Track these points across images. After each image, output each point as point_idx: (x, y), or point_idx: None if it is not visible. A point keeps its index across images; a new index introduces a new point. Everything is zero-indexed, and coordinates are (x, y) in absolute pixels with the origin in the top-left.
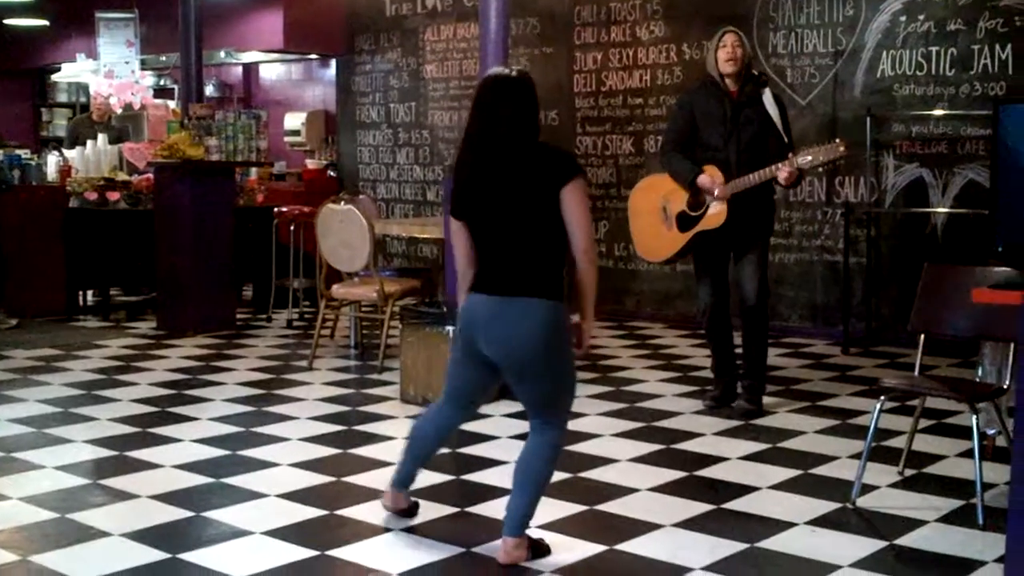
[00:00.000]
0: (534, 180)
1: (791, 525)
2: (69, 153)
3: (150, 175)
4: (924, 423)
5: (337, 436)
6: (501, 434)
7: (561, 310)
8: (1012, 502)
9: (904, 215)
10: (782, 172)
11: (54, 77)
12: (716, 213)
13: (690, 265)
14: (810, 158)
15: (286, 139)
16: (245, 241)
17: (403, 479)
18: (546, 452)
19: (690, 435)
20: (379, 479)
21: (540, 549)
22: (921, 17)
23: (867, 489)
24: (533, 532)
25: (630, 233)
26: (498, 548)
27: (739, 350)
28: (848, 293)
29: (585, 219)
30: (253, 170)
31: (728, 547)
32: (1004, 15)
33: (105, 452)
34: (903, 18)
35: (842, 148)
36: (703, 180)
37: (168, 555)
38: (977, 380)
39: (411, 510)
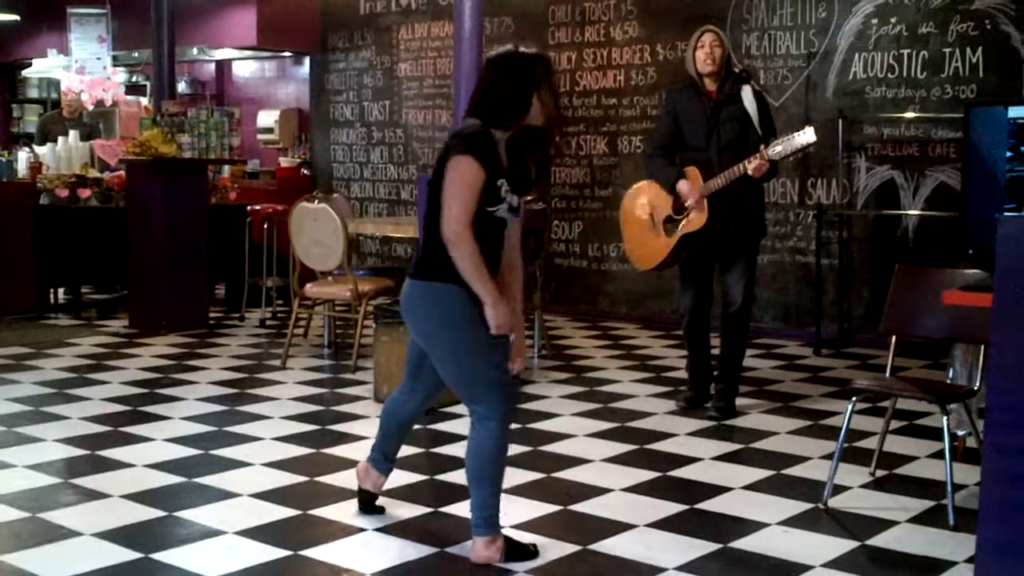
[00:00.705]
0: (440, 159)
1: (764, 525)
2: (40, 150)
3: (122, 172)
4: (895, 424)
5: (310, 436)
6: None
7: (441, 291)
8: (982, 503)
9: (876, 217)
10: (751, 165)
11: (25, 73)
12: (697, 215)
13: None
14: (780, 148)
15: (259, 137)
16: (218, 239)
17: (373, 453)
18: (483, 446)
19: (664, 435)
20: (353, 479)
21: (525, 552)
22: (893, 20)
23: (839, 490)
24: (524, 536)
25: (622, 240)
26: (470, 547)
27: (715, 351)
28: (820, 294)
29: (451, 198)
30: (226, 168)
31: (701, 547)
32: (975, 19)
33: (77, 451)
34: (875, 21)
35: (811, 132)
36: (680, 187)
37: (140, 555)
38: (948, 381)
39: (374, 500)
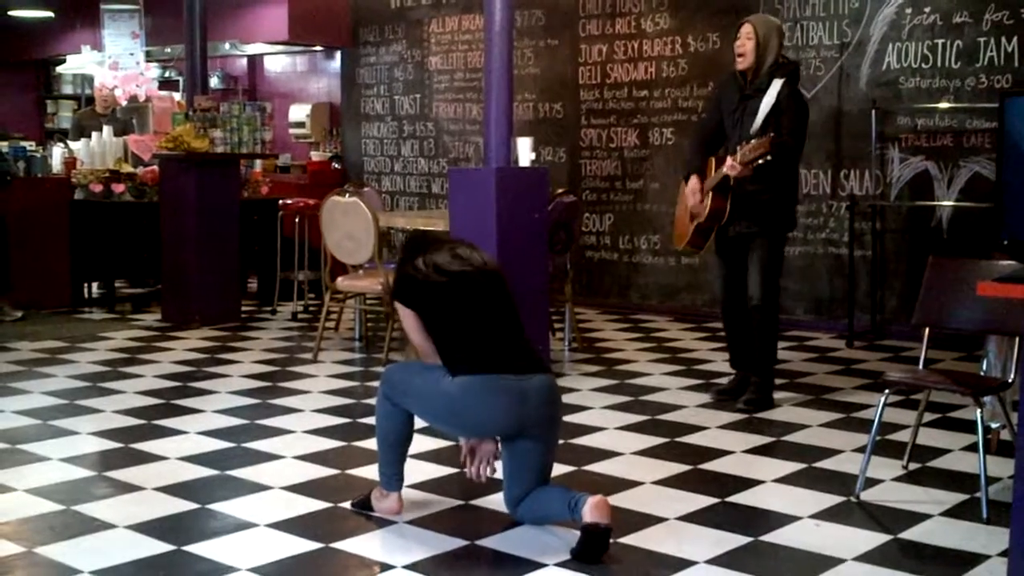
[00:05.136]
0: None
1: (795, 519)
2: (74, 145)
3: (155, 167)
4: (928, 417)
5: (342, 429)
6: None
7: None
8: (1016, 496)
9: (909, 208)
10: (725, 165)
11: (59, 69)
12: (703, 208)
13: (694, 259)
14: (745, 151)
15: (291, 131)
16: (250, 233)
17: (386, 479)
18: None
19: (694, 428)
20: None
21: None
22: (927, 9)
23: (871, 483)
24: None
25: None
26: (500, 539)
27: None
28: (853, 286)
29: None
30: (258, 162)
31: (732, 540)
32: (1010, 7)
33: (110, 444)
34: (909, 10)
35: (766, 141)
36: (689, 185)
37: (173, 547)
38: (982, 374)
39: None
